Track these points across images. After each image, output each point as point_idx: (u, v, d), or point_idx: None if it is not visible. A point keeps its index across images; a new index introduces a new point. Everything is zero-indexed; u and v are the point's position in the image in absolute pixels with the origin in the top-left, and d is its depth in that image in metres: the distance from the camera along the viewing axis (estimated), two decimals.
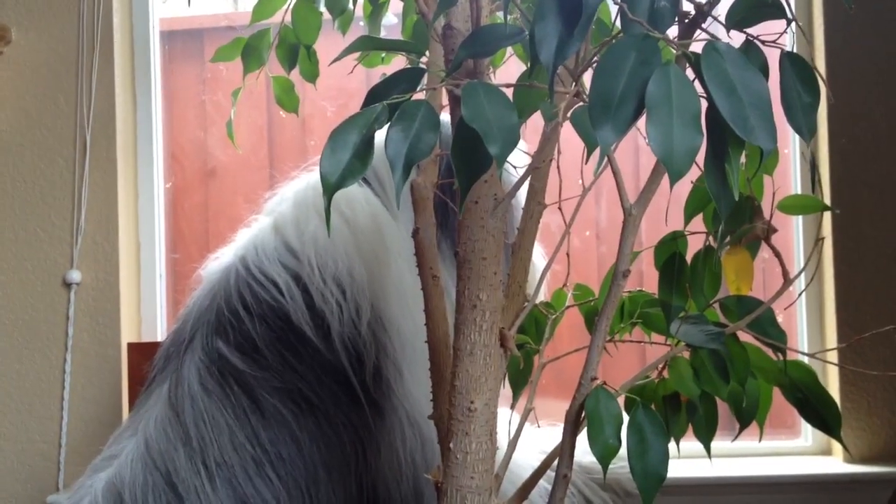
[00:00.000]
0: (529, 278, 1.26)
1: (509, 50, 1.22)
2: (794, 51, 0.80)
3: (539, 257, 1.39)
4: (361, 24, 1.34)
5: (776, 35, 0.82)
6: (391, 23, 1.40)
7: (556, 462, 0.94)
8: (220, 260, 1.36)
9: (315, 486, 1.22)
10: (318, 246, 1.27)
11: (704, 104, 0.70)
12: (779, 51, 0.80)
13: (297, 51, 1.34)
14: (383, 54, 1.39)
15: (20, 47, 1.75)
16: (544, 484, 1.02)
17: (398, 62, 1.38)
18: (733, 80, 0.67)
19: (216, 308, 1.28)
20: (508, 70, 1.35)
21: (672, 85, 0.66)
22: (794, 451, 1.72)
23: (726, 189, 0.70)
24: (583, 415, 0.90)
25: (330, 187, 0.73)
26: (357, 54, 1.29)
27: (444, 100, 1.06)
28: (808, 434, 1.73)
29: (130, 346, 1.70)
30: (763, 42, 0.80)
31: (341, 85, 1.84)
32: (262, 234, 1.33)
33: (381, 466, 1.26)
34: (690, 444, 1.07)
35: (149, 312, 1.80)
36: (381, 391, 1.25)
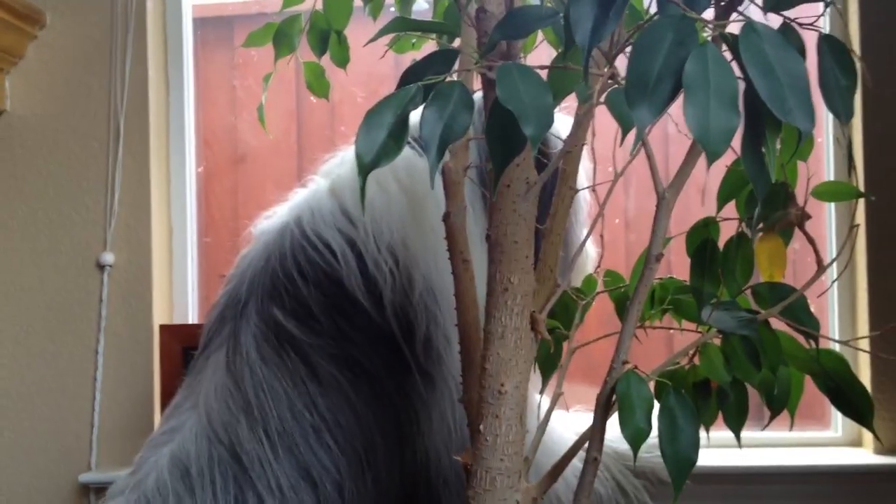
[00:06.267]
0: (580, 266, 1.26)
1: (540, 35, 1.22)
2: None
3: (591, 245, 1.38)
4: (392, 10, 1.34)
5: (813, 18, 0.81)
6: (422, 9, 1.40)
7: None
8: (274, 219, 1.35)
9: (372, 453, 1.23)
10: (375, 213, 1.27)
11: (741, 86, 0.69)
12: (813, 35, 0.79)
13: (328, 36, 1.34)
14: (414, 40, 1.39)
15: (55, 31, 1.77)
16: (578, 464, 1.02)
17: (428, 48, 1.38)
18: (771, 61, 0.67)
19: (271, 271, 1.28)
20: (538, 56, 1.35)
21: (709, 65, 0.66)
22: (824, 441, 1.71)
23: (763, 171, 0.69)
24: (614, 398, 0.90)
25: (365, 167, 0.74)
26: (387, 40, 1.29)
27: (475, 84, 1.06)
28: (839, 425, 1.72)
29: (162, 328, 1.71)
30: (800, 25, 0.80)
31: (371, 71, 1.84)
32: (319, 197, 1.32)
33: (432, 434, 1.26)
34: (719, 433, 1.07)
35: (180, 295, 1.81)
36: (431, 360, 1.26)
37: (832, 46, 0.76)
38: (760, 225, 0.92)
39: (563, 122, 1.28)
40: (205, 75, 1.90)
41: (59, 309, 1.75)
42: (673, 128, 1.72)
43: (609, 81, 0.79)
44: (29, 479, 1.74)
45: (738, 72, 0.69)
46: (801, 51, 0.78)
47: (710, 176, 0.92)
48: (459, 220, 1.05)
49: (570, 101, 1.04)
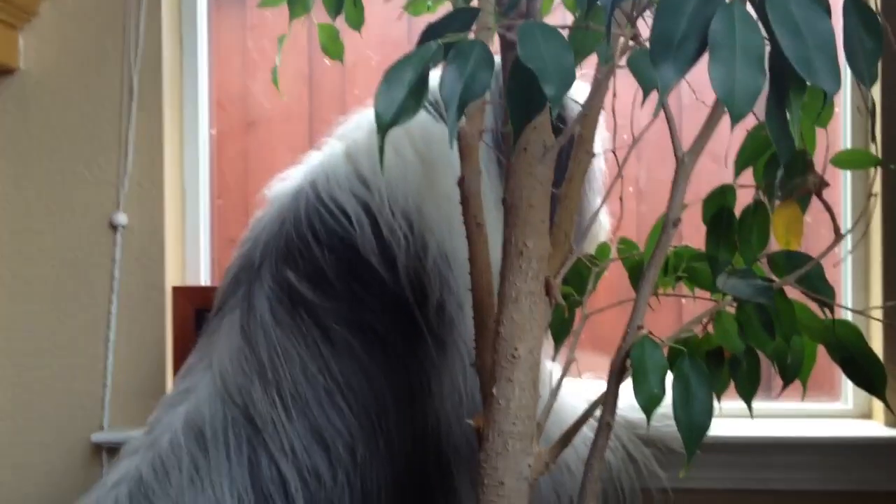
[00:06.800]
0: (593, 234, 1.26)
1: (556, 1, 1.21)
2: None
3: (604, 214, 1.38)
4: None
5: None
6: None
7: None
8: (289, 182, 1.35)
9: (385, 417, 1.24)
10: (391, 178, 1.26)
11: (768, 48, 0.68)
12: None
13: None
14: (430, 2, 1.37)
15: None
16: (588, 432, 1.02)
17: (443, 11, 1.37)
18: (798, 21, 0.66)
19: (285, 234, 1.28)
20: (552, 21, 1.34)
21: (736, 24, 0.65)
22: (835, 413, 1.70)
23: (787, 134, 0.69)
24: (627, 364, 0.90)
25: (384, 125, 0.73)
26: (402, 2, 1.28)
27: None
28: (849, 397, 1.71)
29: (175, 289, 1.71)
30: None
31: (384, 34, 1.82)
32: (334, 161, 1.32)
33: (443, 400, 1.27)
34: (729, 403, 1.07)
35: (192, 257, 1.80)
36: (444, 326, 1.26)
37: (858, 8, 0.75)
38: (782, 190, 0.91)
39: (579, 87, 1.27)
40: (218, 36, 1.89)
41: (72, 269, 1.76)
42: (687, 97, 1.70)
43: (630, 43, 0.78)
44: (42, 437, 1.75)
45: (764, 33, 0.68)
46: (827, 12, 0.77)
47: (729, 143, 0.91)
48: (474, 184, 1.05)
49: (586, 68, 1.03)
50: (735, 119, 0.65)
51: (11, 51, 1.74)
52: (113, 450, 1.66)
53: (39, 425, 1.76)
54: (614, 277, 1.20)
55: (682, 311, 1.73)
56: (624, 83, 0.94)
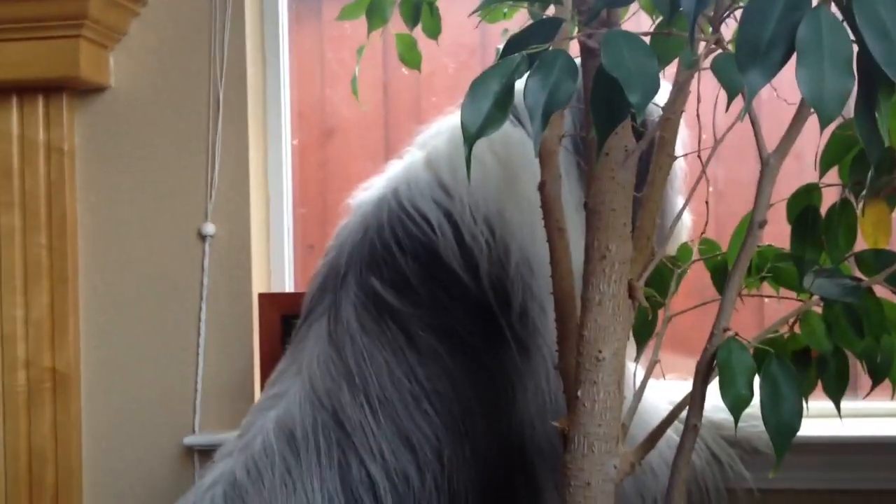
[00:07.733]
0: (676, 235, 1.26)
1: (633, 6, 1.21)
2: None
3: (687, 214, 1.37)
4: None
5: None
6: None
7: (684, 412, 0.95)
8: (371, 191, 1.37)
9: (470, 421, 1.25)
10: (471, 184, 1.25)
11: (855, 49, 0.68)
12: None
13: (419, 8, 1.35)
14: (505, 9, 1.39)
15: (156, 9, 1.81)
16: (672, 434, 1.02)
17: (519, 17, 1.38)
18: (886, 23, 0.66)
19: (369, 242, 1.30)
20: (628, 26, 1.34)
21: (823, 28, 0.65)
22: None
23: (877, 134, 0.69)
24: (714, 365, 0.90)
25: (471, 136, 0.75)
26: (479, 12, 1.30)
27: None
28: None
29: (261, 296, 1.75)
30: None
31: (457, 41, 1.84)
32: (415, 169, 1.34)
33: (527, 404, 1.28)
34: (815, 403, 1.06)
35: (277, 264, 1.84)
36: (527, 331, 1.27)
37: None
38: (870, 189, 0.90)
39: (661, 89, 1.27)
40: (298, 49, 1.93)
41: (164, 278, 1.81)
42: (766, 93, 1.68)
43: (712, 47, 0.79)
44: (136, 440, 1.81)
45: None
46: None
47: (808, 142, 0.91)
48: (554, 189, 1.06)
49: (667, 69, 1.03)
50: (825, 122, 0.65)
51: (103, 69, 1.81)
52: (204, 452, 1.71)
53: (134, 429, 1.81)
54: (695, 277, 1.20)
55: (763, 311, 1.71)
56: (704, 83, 0.94)
